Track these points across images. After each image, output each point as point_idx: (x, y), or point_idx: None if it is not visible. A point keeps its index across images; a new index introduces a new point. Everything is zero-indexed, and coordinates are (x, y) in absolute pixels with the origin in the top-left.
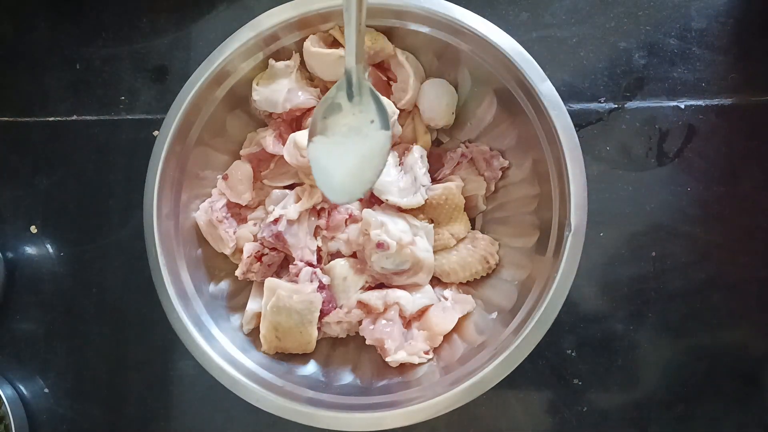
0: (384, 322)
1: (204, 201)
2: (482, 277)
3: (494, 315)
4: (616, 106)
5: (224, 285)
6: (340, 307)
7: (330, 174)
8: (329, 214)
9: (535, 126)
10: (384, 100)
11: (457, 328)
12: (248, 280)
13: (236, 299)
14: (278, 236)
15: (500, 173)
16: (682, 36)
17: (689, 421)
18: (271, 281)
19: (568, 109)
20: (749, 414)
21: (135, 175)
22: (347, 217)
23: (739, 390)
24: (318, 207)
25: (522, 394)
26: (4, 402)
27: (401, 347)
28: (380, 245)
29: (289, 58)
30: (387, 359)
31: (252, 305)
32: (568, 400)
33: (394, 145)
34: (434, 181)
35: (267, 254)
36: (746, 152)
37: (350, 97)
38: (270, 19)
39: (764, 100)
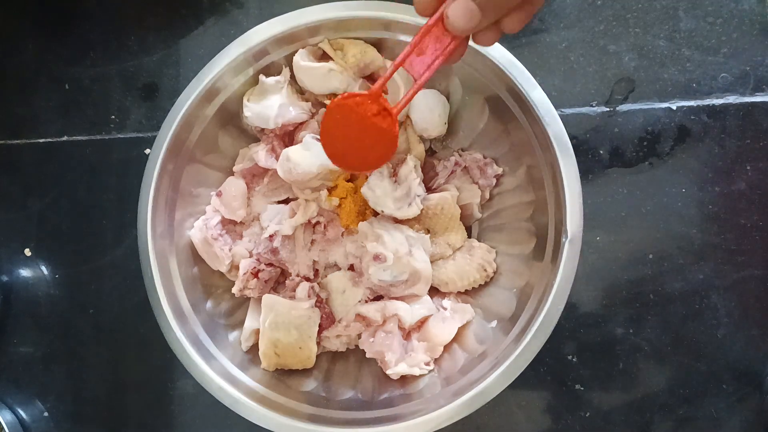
0: (383, 334)
1: (198, 219)
2: (480, 285)
3: (494, 323)
4: (608, 109)
5: (221, 302)
6: (339, 321)
7: None
8: (325, 227)
9: (527, 133)
10: None
11: (457, 338)
12: (245, 297)
13: (234, 316)
14: (274, 252)
15: (495, 181)
16: (671, 37)
17: (691, 422)
18: (268, 298)
19: (559, 114)
20: (750, 414)
21: (128, 194)
22: (343, 230)
23: (740, 390)
24: (313, 221)
25: (524, 402)
26: (3, 428)
27: (402, 359)
28: (377, 257)
29: (278, 73)
30: (388, 372)
31: (250, 322)
32: (570, 406)
33: None
34: (429, 190)
35: (263, 270)
36: (739, 151)
37: None
38: (258, 35)
39: (755, 100)
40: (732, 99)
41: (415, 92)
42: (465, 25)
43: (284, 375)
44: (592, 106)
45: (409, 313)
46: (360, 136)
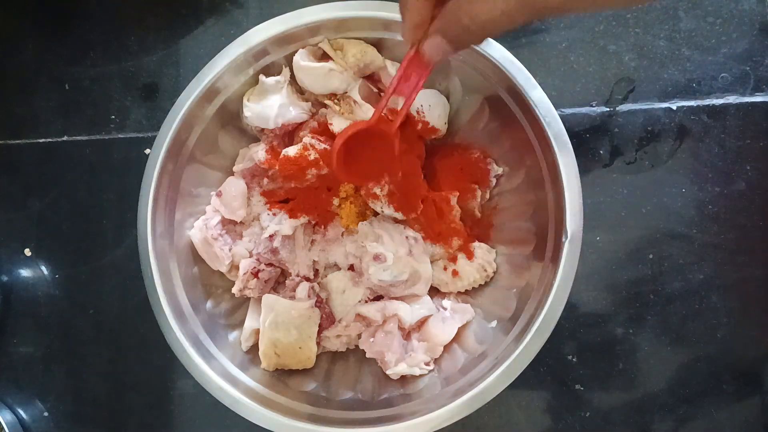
0: (383, 334)
1: (198, 219)
2: (480, 285)
3: (494, 323)
4: (608, 109)
5: (222, 302)
6: (339, 321)
7: None
8: (325, 228)
9: (527, 133)
10: None
11: (457, 338)
12: (245, 297)
13: (234, 316)
14: (274, 252)
15: (495, 181)
16: (671, 37)
17: (691, 422)
18: (268, 298)
19: (559, 114)
20: (750, 414)
21: (128, 194)
22: (343, 230)
23: (740, 390)
24: (313, 221)
25: (524, 402)
26: (3, 428)
27: (402, 359)
28: (377, 257)
29: (278, 73)
30: (388, 372)
31: (250, 322)
32: (570, 406)
33: None
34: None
35: (263, 270)
36: (739, 151)
37: None
38: (258, 35)
39: (755, 100)
40: (732, 99)
41: (407, 108)
42: (439, 59)
43: (284, 375)
44: (592, 105)
45: (409, 313)
46: (372, 151)
